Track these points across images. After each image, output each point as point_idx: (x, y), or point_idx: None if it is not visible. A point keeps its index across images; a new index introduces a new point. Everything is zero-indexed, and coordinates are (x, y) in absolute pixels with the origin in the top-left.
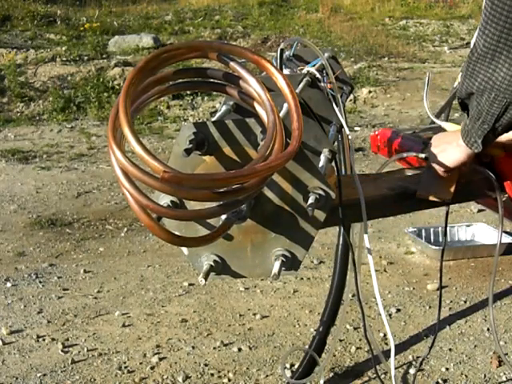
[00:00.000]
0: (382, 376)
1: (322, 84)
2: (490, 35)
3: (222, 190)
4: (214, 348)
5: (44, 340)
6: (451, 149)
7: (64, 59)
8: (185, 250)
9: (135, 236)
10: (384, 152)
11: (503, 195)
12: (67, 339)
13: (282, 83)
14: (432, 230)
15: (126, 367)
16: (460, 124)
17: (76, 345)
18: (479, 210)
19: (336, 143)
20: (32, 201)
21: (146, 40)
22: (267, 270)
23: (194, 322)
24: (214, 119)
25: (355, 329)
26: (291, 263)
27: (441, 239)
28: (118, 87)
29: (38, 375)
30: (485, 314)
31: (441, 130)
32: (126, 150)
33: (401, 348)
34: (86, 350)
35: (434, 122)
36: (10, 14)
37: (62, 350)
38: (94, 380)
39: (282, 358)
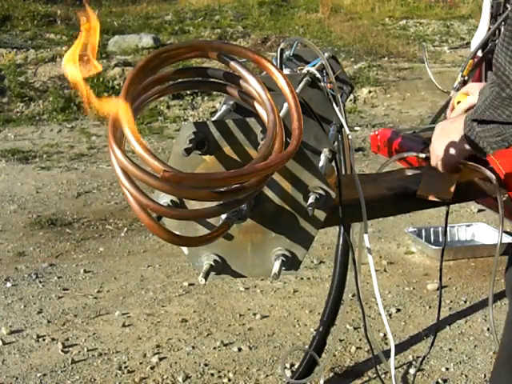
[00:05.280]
0: (382, 376)
1: (322, 84)
2: None
3: (221, 190)
4: (214, 348)
5: (44, 340)
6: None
7: None
8: (185, 249)
9: (135, 236)
10: (384, 152)
11: (503, 195)
12: (67, 339)
13: (282, 83)
14: (432, 229)
15: (126, 367)
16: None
17: (76, 345)
18: (479, 210)
19: (336, 143)
20: (32, 201)
21: (146, 40)
22: (267, 270)
23: (194, 322)
24: (214, 119)
25: (355, 329)
26: (291, 263)
27: (441, 239)
28: (118, 87)
29: (38, 375)
30: (485, 313)
31: None
32: (127, 150)
33: (401, 348)
34: (86, 349)
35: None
36: (10, 14)
37: (61, 350)
38: (94, 380)
39: (282, 358)
